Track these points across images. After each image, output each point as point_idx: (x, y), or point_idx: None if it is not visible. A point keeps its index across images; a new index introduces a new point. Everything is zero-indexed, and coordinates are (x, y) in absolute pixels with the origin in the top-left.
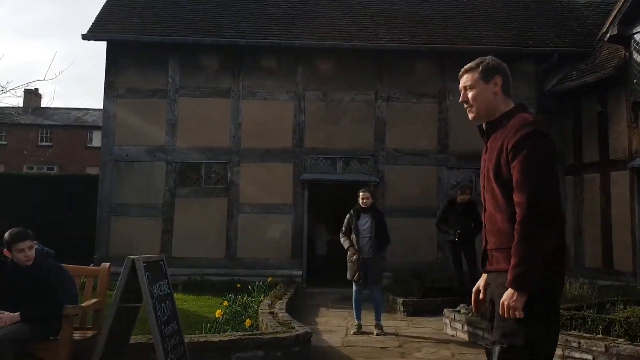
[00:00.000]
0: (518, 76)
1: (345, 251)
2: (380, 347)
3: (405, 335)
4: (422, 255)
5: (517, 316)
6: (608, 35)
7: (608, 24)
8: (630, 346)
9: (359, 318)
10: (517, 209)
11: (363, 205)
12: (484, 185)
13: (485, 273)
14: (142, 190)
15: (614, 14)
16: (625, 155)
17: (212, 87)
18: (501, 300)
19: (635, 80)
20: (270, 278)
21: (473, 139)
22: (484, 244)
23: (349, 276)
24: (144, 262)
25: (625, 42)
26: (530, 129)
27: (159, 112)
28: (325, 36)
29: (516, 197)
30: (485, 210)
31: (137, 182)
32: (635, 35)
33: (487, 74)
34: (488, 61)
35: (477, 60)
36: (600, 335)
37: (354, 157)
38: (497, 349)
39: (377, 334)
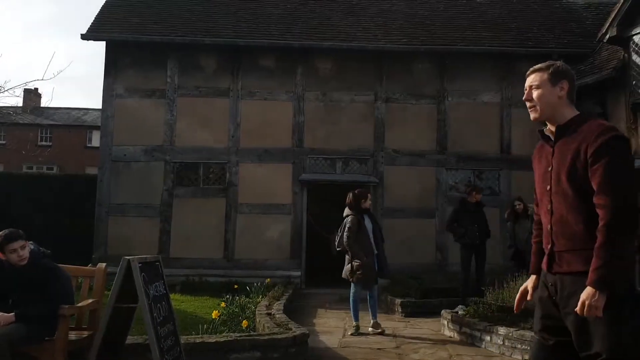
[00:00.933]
0: (517, 77)
1: (361, 256)
2: (378, 348)
3: (402, 336)
4: (420, 256)
5: (597, 315)
6: (607, 36)
7: (607, 25)
8: None
9: (357, 319)
10: (599, 211)
11: (369, 207)
12: (550, 189)
13: (534, 274)
14: (140, 190)
15: (613, 15)
16: None
17: (211, 87)
18: (581, 299)
19: (634, 82)
20: (268, 279)
21: (472, 140)
22: (549, 245)
23: (365, 280)
24: (139, 263)
25: (624, 44)
26: (613, 134)
27: (157, 112)
28: (325, 37)
29: (599, 200)
30: (552, 213)
31: (135, 182)
32: (634, 37)
33: (555, 77)
34: (558, 65)
35: (548, 63)
36: None
37: (353, 158)
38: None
39: (380, 333)
